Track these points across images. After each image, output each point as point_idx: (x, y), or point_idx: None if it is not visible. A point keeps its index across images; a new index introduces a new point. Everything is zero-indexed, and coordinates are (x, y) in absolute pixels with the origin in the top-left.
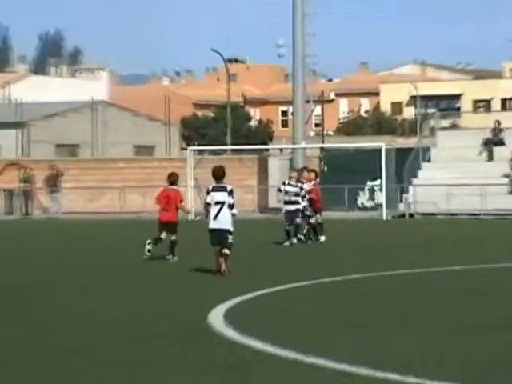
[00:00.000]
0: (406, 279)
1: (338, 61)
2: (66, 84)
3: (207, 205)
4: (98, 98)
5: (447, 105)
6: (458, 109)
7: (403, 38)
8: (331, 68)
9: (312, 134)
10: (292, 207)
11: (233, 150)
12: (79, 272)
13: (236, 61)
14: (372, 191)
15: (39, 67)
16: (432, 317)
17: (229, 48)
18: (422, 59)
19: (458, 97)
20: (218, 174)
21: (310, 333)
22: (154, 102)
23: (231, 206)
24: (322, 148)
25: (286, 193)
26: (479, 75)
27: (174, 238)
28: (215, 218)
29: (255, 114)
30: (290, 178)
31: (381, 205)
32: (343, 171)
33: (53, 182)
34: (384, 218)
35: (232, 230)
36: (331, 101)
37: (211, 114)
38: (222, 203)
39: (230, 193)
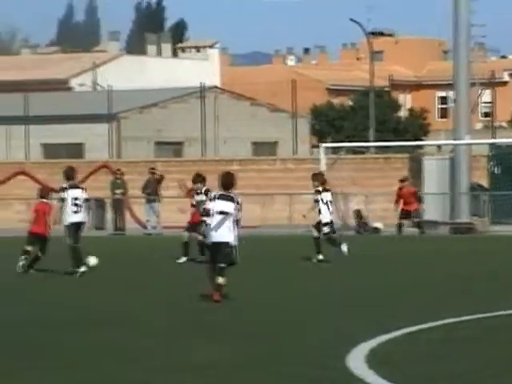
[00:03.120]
0: None
1: None
2: (168, 66)
3: (206, 213)
4: (207, 83)
5: None
6: None
7: None
8: (504, 42)
9: (479, 126)
10: None
11: (377, 147)
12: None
13: (381, 34)
14: None
15: (135, 45)
16: None
17: (372, 18)
18: None
19: None
20: (227, 182)
21: None
22: (277, 88)
23: (237, 222)
24: (492, 144)
25: None
26: None
27: None
28: (216, 229)
29: (405, 101)
30: None
31: None
32: None
33: (152, 190)
34: None
35: (234, 244)
36: (504, 83)
37: (349, 102)
38: (226, 214)
39: (238, 204)
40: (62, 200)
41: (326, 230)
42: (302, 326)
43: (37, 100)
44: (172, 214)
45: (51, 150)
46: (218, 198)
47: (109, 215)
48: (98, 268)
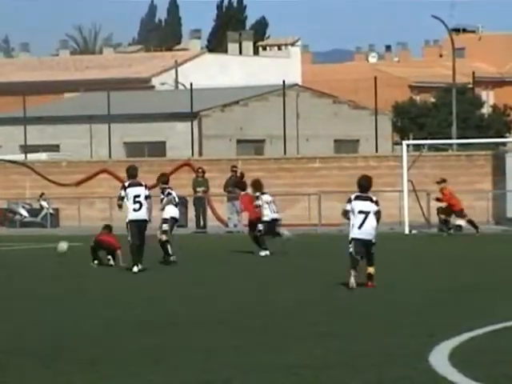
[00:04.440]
0: None
1: None
2: (249, 64)
3: (346, 212)
4: (288, 80)
5: None
6: None
7: None
8: None
9: None
10: None
11: (459, 144)
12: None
13: (464, 30)
14: None
15: (216, 44)
16: None
17: (455, 14)
18: None
19: None
20: (366, 184)
21: None
22: (358, 85)
23: (377, 214)
24: None
25: None
26: None
27: None
28: (360, 227)
29: (488, 97)
30: None
31: None
32: None
33: (233, 188)
34: None
35: (374, 241)
36: None
37: (431, 99)
38: (367, 213)
39: (376, 203)
40: (122, 198)
41: (260, 227)
42: (384, 324)
43: (119, 99)
44: None
45: (133, 149)
46: (356, 199)
47: (191, 213)
48: (179, 266)
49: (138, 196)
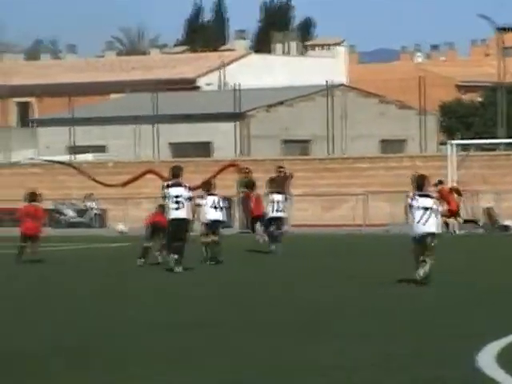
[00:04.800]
0: None
1: None
2: (295, 64)
3: (409, 208)
4: (334, 80)
5: None
6: None
7: None
8: None
9: None
10: None
11: (507, 143)
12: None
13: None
14: None
15: (262, 44)
16: None
17: (502, 13)
18: None
19: None
20: (422, 183)
21: None
22: (404, 85)
23: (438, 211)
24: None
25: None
26: None
27: None
28: (422, 223)
29: None
30: None
31: None
32: None
33: (280, 188)
34: None
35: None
36: None
37: (478, 99)
38: (430, 209)
39: (436, 199)
40: (164, 197)
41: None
42: (431, 323)
43: (165, 99)
44: (298, 212)
45: (179, 149)
46: (420, 196)
47: (237, 213)
48: (223, 267)
49: (179, 196)
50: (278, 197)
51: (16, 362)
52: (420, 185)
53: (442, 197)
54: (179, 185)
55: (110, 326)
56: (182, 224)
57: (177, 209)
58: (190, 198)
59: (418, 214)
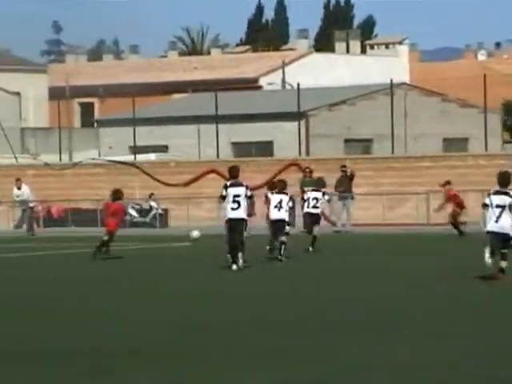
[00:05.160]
0: None
1: None
2: (356, 63)
3: (484, 206)
4: (396, 79)
5: None
6: None
7: None
8: None
9: None
10: None
11: None
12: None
13: None
14: None
15: (323, 43)
16: None
17: None
18: None
19: None
20: (505, 181)
21: None
22: (467, 83)
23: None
24: None
25: None
26: None
27: None
28: (496, 221)
29: None
30: None
31: None
32: None
33: (346, 187)
34: None
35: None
36: None
37: None
38: (503, 207)
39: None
40: (224, 197)
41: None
42: (482, 326)
43: (226, 99)
44: (360, 211)
45: (241, 149)
46: (495, 194)
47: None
48: (283, 266)
49: (238, 196)
50: (313, 194)
51: (90, 360)
52: (502, 182)
53: (449, 197)
54: (239, 184)
55: (193, 323)
56: (239, 224)
57: (235, 208)
58: (250, 197)
59: (492, 211)
